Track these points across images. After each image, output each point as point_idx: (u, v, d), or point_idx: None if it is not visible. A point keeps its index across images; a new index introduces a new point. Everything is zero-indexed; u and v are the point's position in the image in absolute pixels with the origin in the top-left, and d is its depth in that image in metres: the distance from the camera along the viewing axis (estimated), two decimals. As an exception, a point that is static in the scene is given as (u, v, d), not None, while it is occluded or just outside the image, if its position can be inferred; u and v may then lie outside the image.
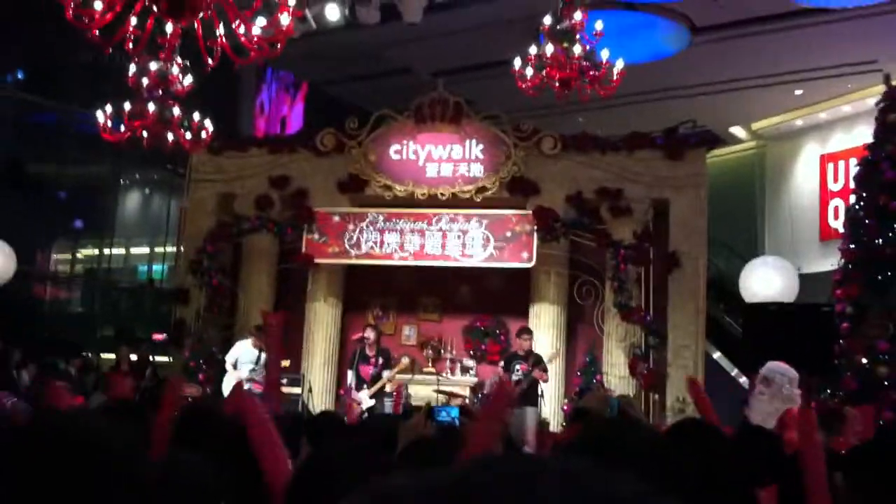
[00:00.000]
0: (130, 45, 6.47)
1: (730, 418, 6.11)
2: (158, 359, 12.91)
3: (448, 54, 16.08)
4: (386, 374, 11.17)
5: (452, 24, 15.09)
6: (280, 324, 3.61)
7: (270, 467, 2.70)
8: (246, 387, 10.87)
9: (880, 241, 10.30)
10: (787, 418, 4.88)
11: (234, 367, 11.36)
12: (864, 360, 9.97)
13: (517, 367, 10.80)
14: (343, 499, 0.70)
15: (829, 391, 10.07)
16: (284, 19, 6.66)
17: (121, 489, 1.34)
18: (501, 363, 11.37)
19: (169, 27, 6.78)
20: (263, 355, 11.43)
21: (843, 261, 10.76)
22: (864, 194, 10.72)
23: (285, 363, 10.81)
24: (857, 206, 10.82)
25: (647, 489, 0.65)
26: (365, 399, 10.97)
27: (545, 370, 10.80)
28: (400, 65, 17.19)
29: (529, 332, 11.27)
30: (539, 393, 10.84)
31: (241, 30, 6.56)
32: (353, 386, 11.13)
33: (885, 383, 9.73)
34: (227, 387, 11.27)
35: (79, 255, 19.31)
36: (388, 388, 11.23)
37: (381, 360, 11.19)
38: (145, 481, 1.41)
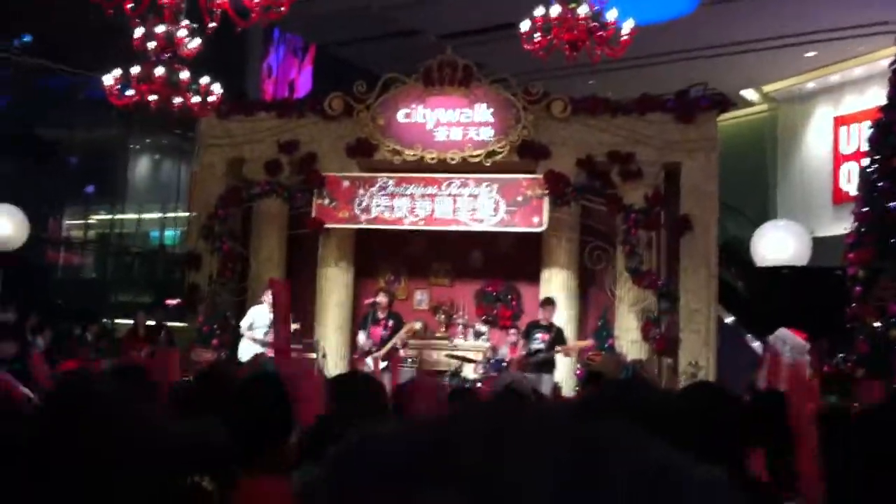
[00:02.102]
0: (130, 6, 6.42)
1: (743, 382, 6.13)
2: (171, 324, 12.96)
3: (457, 17, 15.93)
4: (395, 338, 11.18)
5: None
6: (286, 291, 3.62)
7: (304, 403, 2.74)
8: (260, 351, 10.94)
9: (894, 204, 10.23)
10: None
11: (250, 329, 11.41)
12: (877, 324, 9.94)
13: (537, 335, 10.83)
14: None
15: (841, 355, 10.07)
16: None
17: (133, 449, 1.34)
18: (521, 331, 11.34)
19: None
20: (275, 319, 11.46)
21: (855, 224, 10.69)
22: (878, 157, 10.63)
23: (294, 326, 10.79)
24: (870, 169, 10.73)
25: (634, 436, 0.63)
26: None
27: (565, 343, 10.92)
28: (408, 27, 17.05)
29: (553, 302, 11.25)
30: (554, 361, 10.90)
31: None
32: (366, 348, 11.13)
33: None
34: (242, 351, 11.33)
35: (91, 221, 19.36)
36: (401, 354, 11.24)
37: (391, 323, 11.20)
38: (156, 443, 1.42)
